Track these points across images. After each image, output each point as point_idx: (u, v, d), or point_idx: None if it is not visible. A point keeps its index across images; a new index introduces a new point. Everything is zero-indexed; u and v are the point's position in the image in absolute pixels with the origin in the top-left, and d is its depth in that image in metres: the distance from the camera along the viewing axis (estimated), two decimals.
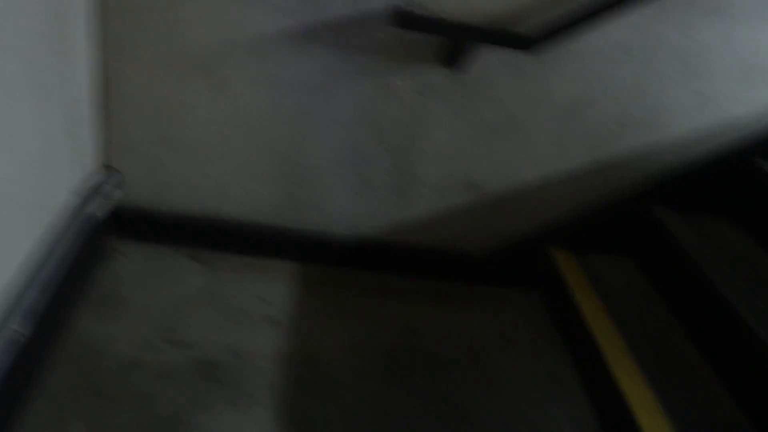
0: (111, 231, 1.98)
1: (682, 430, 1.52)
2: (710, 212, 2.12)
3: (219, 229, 2.04)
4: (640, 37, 1.81)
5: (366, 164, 1.96)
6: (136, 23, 1.69)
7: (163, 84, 1.78)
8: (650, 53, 1.84)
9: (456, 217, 2.09)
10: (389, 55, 1.77)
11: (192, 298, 1.86)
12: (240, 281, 1.97)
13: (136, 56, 1.74)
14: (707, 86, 1.91)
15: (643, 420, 1.53)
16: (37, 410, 1.41)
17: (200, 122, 1.86)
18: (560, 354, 1.97)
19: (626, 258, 2.20)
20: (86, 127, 1.75)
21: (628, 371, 1.68)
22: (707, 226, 2.06)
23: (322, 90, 1.82)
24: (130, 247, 2.00)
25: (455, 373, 1.80)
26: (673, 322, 1.93)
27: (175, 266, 1.98)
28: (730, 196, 2.09)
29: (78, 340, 1.62)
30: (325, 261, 2.12)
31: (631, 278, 2.14)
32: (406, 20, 1.66)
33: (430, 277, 2.19)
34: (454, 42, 1.74)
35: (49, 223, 1.56)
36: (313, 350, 1.77)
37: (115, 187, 1.90)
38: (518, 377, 1.84)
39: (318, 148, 1.92)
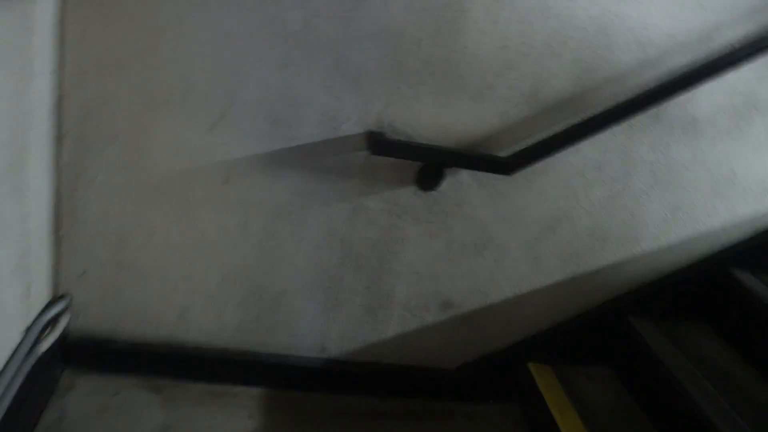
0: (64, 365, 1.83)
1: None
2: (689, 320, 2.08)
3: (181, 356, 1.90)
4: (613, 155, 1.80)
5: (337, 286, 1.88)
6: (95, 150, 1.60)
7: (123, 210, 1.68)
8: (623, 169, 1.83)
9: (430, 335, 2.00)
10: (362, 177, 1.72)
11: None
12: (203, 414, 1.83)
13: (95, 182, 1.63)
14: (680, 199, 1.90)
15: None
16: None
17: (161, 248, 1.75)
18: None
19: (605, 368, 2.14)
20: (41, 259, 1.62)
21: None
22: (685, 335, 2.02)
23: (292, 213, 1.74)
24: (84, 381, 1.84)
25: None
26: None
27: (132, 400, 1.82)
28: (708, 305, 2.07)
29: None
30: (295, 386, 1.99)
31: (610, 389, 2.07)
32: (380, 146, 1.62)
33: (405, 396, 2.08)
34: (430, 165, 1.69)
35: None
36: None
37: (69, 318, 1.76)
38: None
39: (287, 270, 1.83)
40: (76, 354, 1.84)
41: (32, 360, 1.56)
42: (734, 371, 1.88)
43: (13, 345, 1.50)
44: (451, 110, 1.66)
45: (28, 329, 1.58)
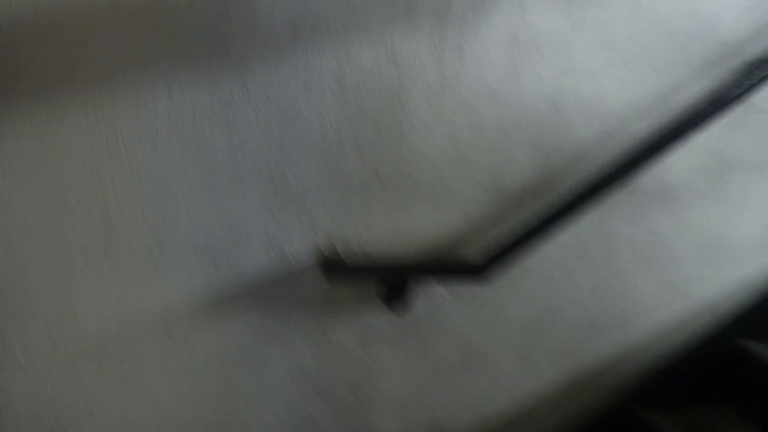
0: None
1: None
2: (701, 402, 1.88)
3: None
4: (592, 238, 1.64)
5: (308, 430, 1.62)
6: (19, 308, 1.35)
7: (55, 379, 1.42)
8: (605, 253, 1.66)
9: None
10: (323, 307, 1.50)
11: None
12: None
13: (19, 348, 1.38)
14: (670, 274, 1.74)
15: None
16: None
17: (100, 418, 1.48)
18: None
19: None
20: None
21: None
22: (699, 419, 1.82)
23: (250, 357, 1.50)
24: None
25: None
26: None
27: None
28: (721, 384, 1.87)
29: None
30: None
31: None
32: (335, 271, 1.42)
33: None
34: (395, 282, 1.49)
35: None
36: None
37: None
38: None
39: (251, 420, 1.57)
40: None
41: None
42: None
43: None
44: (409, 218, 1.49)
45: None
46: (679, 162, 1.64)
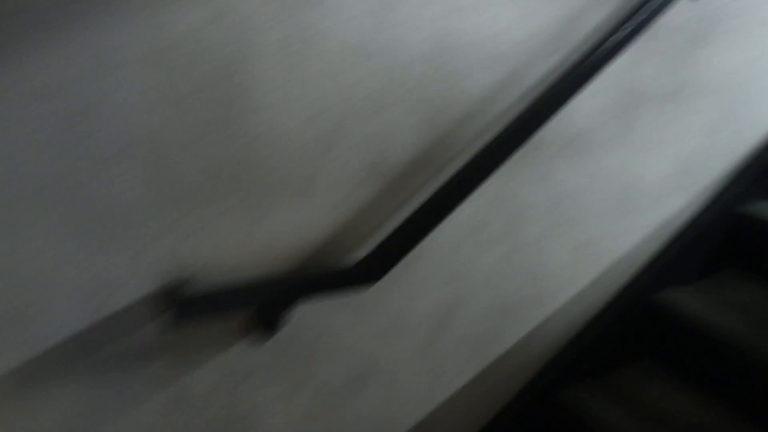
0: None
1: None
2: (625, 362, 1.70)
3: None
4: (494, 209, 1.36)
5: None
6: None
7: None
8: (510, 223, 1.40)
9: None
10: (176, 350, 1.13)
11: None
12: None
13: None
14: (582, 233, 1.52)
15: None
16: None
17: None
18: None
19: None
20: None
21: None
22: (624, 382, 1.65)
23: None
24: None
25: None
26: None
27: None
28: (639, 339, 1.70)
29: None
30: None
31: None
32: (184, 306, 1.05)
33: None
34: (261, 305, 1.15)
35: None
36: None
37: None
38: None
39: None
40: None
41: None
42: (701, 420, 1.52)
43: None
44: (268, 222, 1.13)
45: None
46: (587, 104, 1.38)
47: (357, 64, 1.09)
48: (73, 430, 1.08)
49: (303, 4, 1.02)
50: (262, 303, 1.12)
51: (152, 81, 0.95)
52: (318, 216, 1.16)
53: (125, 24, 0.91)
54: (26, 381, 1.02)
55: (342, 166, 1.15)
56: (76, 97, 0.91)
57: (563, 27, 1.29)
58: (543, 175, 1.39)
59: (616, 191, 1.50)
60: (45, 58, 0.87)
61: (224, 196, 1.07)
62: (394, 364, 1.37)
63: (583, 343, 1.61)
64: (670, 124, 1.52)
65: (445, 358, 1.43)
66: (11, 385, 1.01)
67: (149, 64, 0.94)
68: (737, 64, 1.56)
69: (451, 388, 1.47)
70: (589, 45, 1.25)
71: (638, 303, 1.63)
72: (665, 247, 1.65)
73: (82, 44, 0.89)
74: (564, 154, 1.40)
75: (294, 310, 1.18)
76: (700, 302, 1.61)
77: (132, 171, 0.98)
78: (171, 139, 1.00)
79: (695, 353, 1.58)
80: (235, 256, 1.11)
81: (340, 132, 1.12)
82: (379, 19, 1.08)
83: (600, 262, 1.56)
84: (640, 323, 1.66)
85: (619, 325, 1.63)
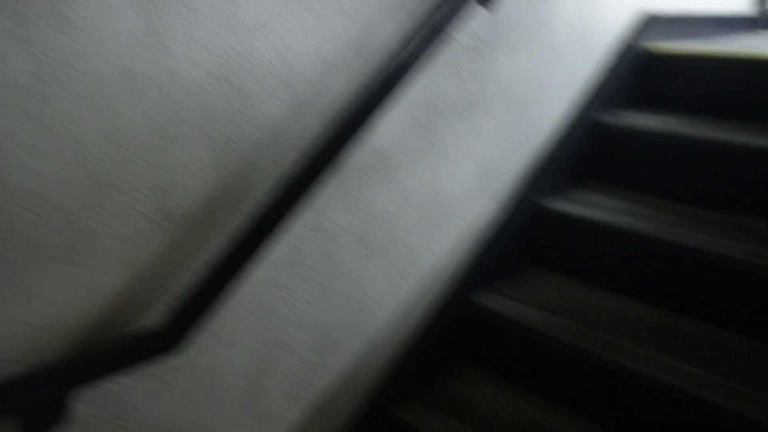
0: None
1: None
2: (452, 371, 1.69)
3: None
4: (308, 241, 1.26)
5: None
6: None
7: None
8: (326, 252, 1.30)
9: None
10: None
11: None
12: None
13: None
14: (398, 251, 1.46)
15: None
16: None
17: None
18: None
19: None
20: None
21: None
22: (463, 398, 1.64)
23: None
24: None
25: None
26: None
27: None
28: (461, 346, 1.70)
29: None
30: None
31: None
32: None
33: None
34: (34, 403, 0.93)
35: None
36: None
37: None
38: None
39: None
40: None
41: None
42: (529, 417, 1.54)
43: None
44: (32, 296, 0.92)
45: None
46: (385, 121, 1.31)
47: (131, 97, 0.92)
48: None
49: (51, 28, 0.82)
50: (40, 397, 0.91)
51: None
52: (100, 281, 0.97)
53: None
54: None
55: (122, 217, 0.97)
56: None
57: (360, 41, 1.21)
58: (357, 197, 1.31)
59: (425, 204, 1.47)
60: None
61: None
62: (210, 428, 1.21)
63: (410, 359, 1.57)
64: (469, 132, 1.51)
65: (271, 406, 1.30)
66: None
67: None
68: (523, 69, 1.60)
69: None
70: (387, 58, 1.19)
71: (456, 310, 1.63)
72: (475, 251, 1.66)
73: None
74: (375, 174, 1.33)
75: (90, 392, 0.98)
76: (510, 301, 1.64)
77: None
78: None
79: (513, 352, 1.61)
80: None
81: (116, 177, 0.94)
82: (152, 43, 0.92)
83: (416, 276, 1.52)
84: (460, 329, 1.66)
85: (442, 334, 1.62)
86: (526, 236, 1.76)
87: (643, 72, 1.95)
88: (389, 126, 1.32)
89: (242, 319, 1.18)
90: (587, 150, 1.87)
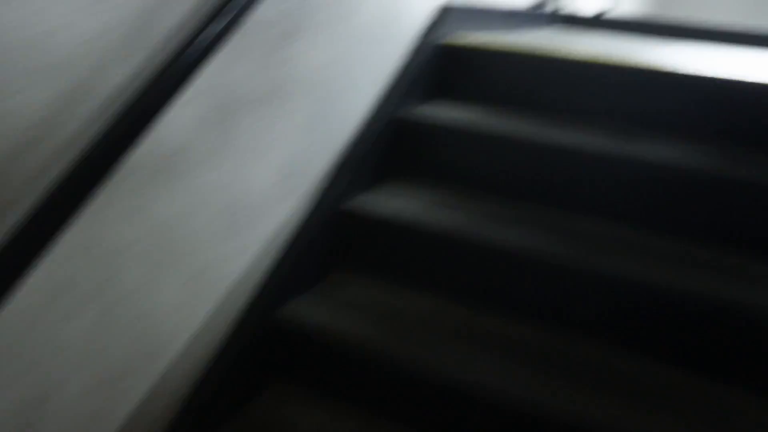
0: None
1: None
2: (261, 393, 1.55)
3: None
4: (80, 259, 1.03)
5: None
6: None
7: None
8: (104, 271, 1.09)
9: None
10: None
11: None
12: None
13: None
14: (192, 264, 1.28)
15: None
16: None
17: None
18: None
19: None
20: None
21: None
22: (267, 419, 1.51)
23: None
24: None
25: None
26: None
27: None
28: (276, 363, 1.56)
29: None
30: None
31: None
32: None
33: None
34: None
35: None
36: None
37: None
38: None
39: None
40: None
41: None
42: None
43: None
44: None
45: None
46: (173, 117, 1.13)
47: None
48: None
49: None
50: None
51: None
52: None
53: None
54: None
55: None
56: None
57: (141, 22, 1.01)
58: (137, 207, 1.11)
59: (223, 209, 1.31)
60: None
61: None
62: None
63: (214, 381, 1.40)
64: (270, 127, 1.37)
65: None
66: None
67: None
68: (327, 59, 1.49)
69: None
70: (175, 44, 1.01)
71: (260, 324, 1.49)
72: (281, 257, 1.53)
73: None
74: (159, 179, 1.14)
75: None
76: (321, 309, 1.53)
77: None
78: None
79: (327, 364, 1.51)
80: None
81: None
82: None
83: (217, 290, 1.36)
84: (267, 345, 1.52)
85: (246, 352, 1.46)
86: (333, 239, 1.66)
87: (439, 64, 1.94)
88: (178, 123, 1.13)
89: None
90: (386, 145, 1.81)
